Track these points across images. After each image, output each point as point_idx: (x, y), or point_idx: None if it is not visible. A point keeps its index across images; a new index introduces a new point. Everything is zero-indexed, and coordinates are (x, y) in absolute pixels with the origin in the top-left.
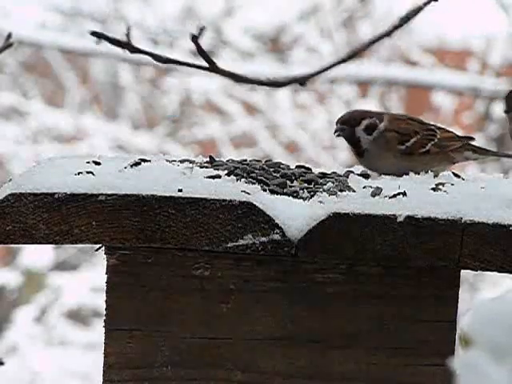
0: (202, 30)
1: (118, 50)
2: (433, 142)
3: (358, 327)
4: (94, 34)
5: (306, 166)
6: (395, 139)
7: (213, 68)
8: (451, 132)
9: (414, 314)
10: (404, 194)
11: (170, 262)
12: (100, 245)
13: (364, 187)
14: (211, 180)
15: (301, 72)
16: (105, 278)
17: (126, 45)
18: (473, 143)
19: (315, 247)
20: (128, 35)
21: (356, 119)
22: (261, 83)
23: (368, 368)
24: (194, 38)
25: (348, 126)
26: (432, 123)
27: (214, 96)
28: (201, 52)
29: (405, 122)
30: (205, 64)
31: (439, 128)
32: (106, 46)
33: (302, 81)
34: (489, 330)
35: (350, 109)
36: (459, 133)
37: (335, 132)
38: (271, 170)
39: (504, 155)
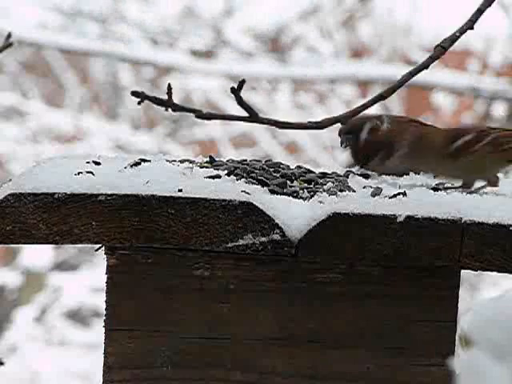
0: (242, 83)
1: (118, 50)
2: (484, 142)
3: (358, 327)
4: (134, 93)
5: (306, 166)
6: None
7: (255, 118)
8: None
9: (414, 314)
10: (404, 194)
11: (170, 262)
12: (100, 245)
13: (364, 187)
14: (211, 180)
15: (341, 112)
16: (105, 278)
17: (169, 104)
18: None
19: (315, 247)
20: (169, 93)
21: (358, 125)
22: (304, 127)
23: (368, 368)
24: (234, 90)
25: (353, 135)
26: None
27: (214, 96)
28: (241, 103)
29: (407, 123)
30: (246, 113)
31: (494, 129)
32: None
33: (343, 120)
34: (489, 330)
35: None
36: None
37: (342, 144)
38: (271, 169)
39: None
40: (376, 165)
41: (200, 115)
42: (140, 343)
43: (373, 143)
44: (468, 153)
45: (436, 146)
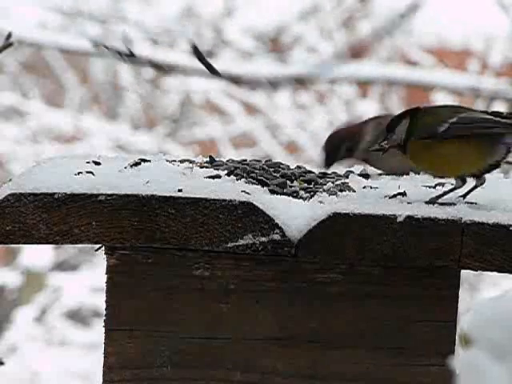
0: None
1: (118, 50)
2: None
3: (358, 327)
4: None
5: (306, 166)
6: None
7: (212, 72)
8: None
9: (414, 314)
10: (404, 194)
11: (170, 262)
12: (100, 245)
13: (364, 187)
14: (211, 180)
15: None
16: (105, 278)
17: (126, 55)
18: None
19: (315, 247)
20: (127, 45)
21: (335, 145)
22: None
23: (368, 368)
24: (196, 48)
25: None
26: None
27: (214, 96)
28: (202, 60)
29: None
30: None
31: None
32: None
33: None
34: (489, 329)
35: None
36: None
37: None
38: (271, 169)
39: None
40: (342, 157)
41: (163, 70)
42: (140, 343)
43: (336, 137)
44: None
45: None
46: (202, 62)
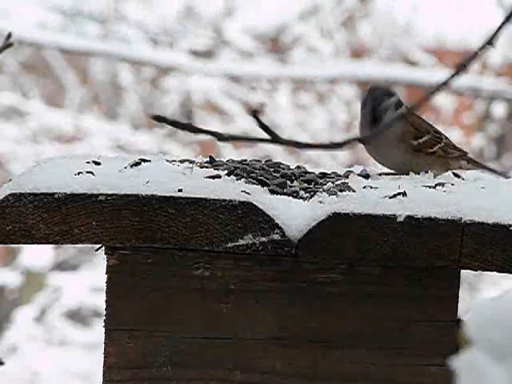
0: (261, 106)
1: (118, 50)
2: (440, 145)
3: (358, 327)
4: (156, 118)
5: (306, 166)
6: (411, 133)
7: (275, 139)
8: (450, 141)
9: (414, 314)
10: (404, 194)
11: (170, 262)
12: (100, 245)
13: (364, 187)
14: (211, 180)
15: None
16: (105, 278)
17: (190, 127)
18: (468, 156)
19: (315, 247)
20: (190, 117)
21: (383, 93)
22: (325, 147)
23: (368, 368)
24: (254, 112)
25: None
26: (437, 129)
27: (214, 96)
28: (262, 126)
29: (420, 118)
30: (267, 136)
31: (443, 135)
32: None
33: (365, 140)
34: (489, 329)
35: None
36: (456, 131)
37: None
38: (271, 169)
39: (492, 170)
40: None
41: (221, 138)
42: (140, 343)
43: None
44: (427, 151)
45: (406, 137)
46: (264, 129)
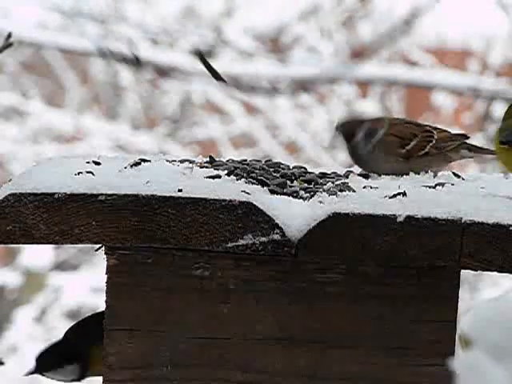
0: (211, 50)
1: (118, 50)
2: (431, 144)
3: (358, 327)
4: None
5: (306, 166)
6: (396, 143)
7: (218, 78)
8: (446, 131)
9: (414, 314)
10: (404, 194)
11: (170, 262)
12: (100, 245)
13: (364, 187)
14: (211, 180)
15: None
16: (105, 278)
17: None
18: (468, 141)
19: (315, 247)
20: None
21: (353, 128)
22: (268, 92)
23: (368, 368)
24: (199, 54)
25: (346, 134)
26: (427, 124)
27: (214, 96)
28: (206, 65)
29: (402, 125)
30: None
31: (435, 128)
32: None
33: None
34: (489, 330)
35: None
36: (456, 130)
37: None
38: (271, 170)
39: (494, 152)
40: (361, 144)
41: (163, 74)
42: (140, 343)
43: (356, 121)
44: (418, 154)
45: (392, 148)
46: (207, 68)
